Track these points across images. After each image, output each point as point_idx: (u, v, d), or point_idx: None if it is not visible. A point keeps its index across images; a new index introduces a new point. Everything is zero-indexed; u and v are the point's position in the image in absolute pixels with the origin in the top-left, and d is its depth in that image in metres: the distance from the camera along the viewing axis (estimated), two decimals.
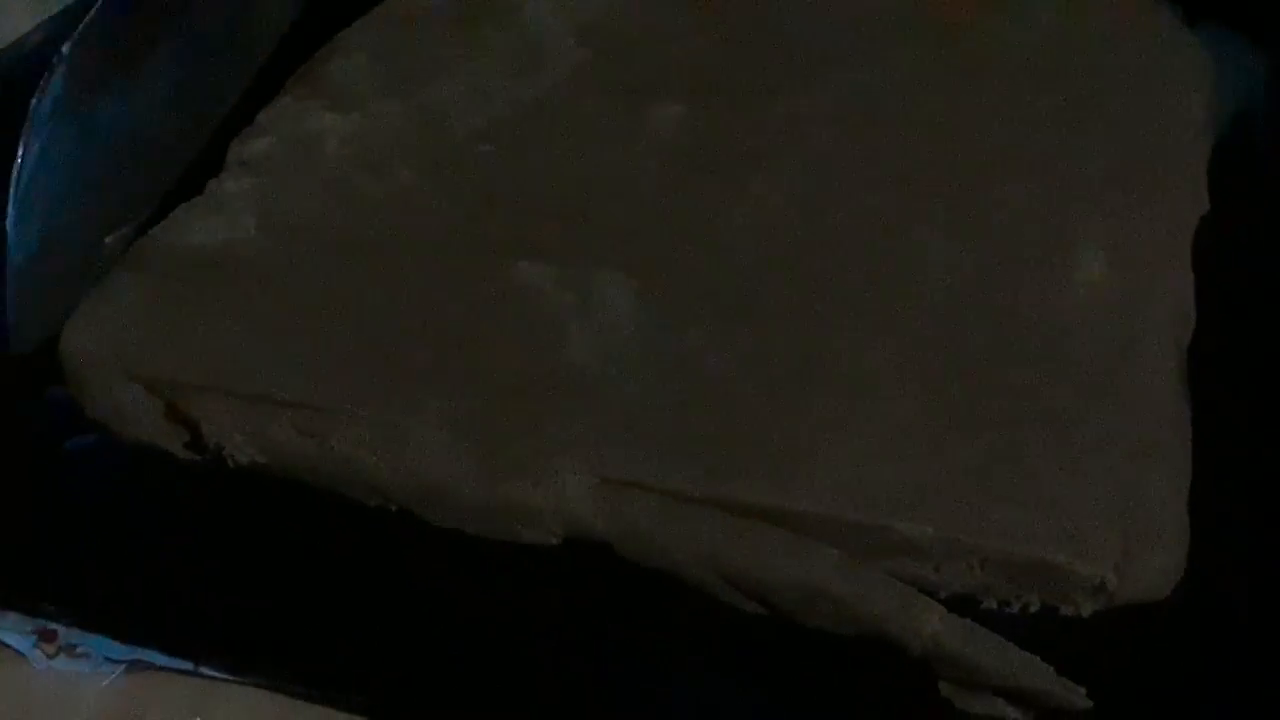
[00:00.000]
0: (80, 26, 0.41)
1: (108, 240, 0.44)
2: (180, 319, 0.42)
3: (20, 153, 0.40)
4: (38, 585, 0.38)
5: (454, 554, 0.38)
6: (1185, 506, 0.36)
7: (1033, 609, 0.36)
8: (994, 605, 0.36)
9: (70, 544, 0.39)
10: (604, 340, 0.41)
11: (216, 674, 0.36)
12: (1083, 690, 0.33)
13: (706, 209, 0.45)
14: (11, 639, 0.37)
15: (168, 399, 0.40)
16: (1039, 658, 0.33)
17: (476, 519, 0.38)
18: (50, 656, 0.37)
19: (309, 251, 0.44)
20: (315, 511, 0.39)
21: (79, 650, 0.37)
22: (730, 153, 0.47)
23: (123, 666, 0.37)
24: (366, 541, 0.38)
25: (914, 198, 0.45)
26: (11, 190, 0.40)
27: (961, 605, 0.35)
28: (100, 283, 0.43)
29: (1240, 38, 0.52)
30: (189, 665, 0.36)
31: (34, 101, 0.40)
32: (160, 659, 0.36)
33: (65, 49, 0.40)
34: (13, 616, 0.37)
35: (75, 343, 0.41)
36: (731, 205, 0.45)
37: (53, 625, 0.37)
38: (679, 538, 0.36)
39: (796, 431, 0.38)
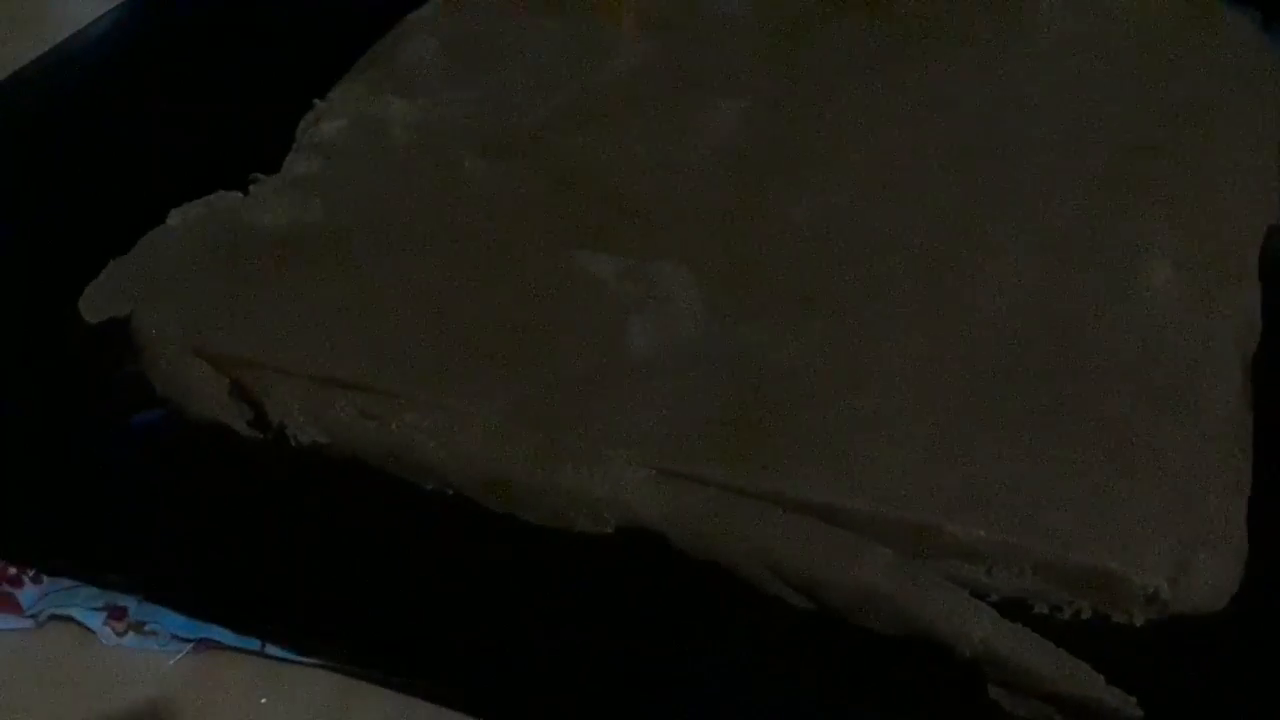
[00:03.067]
0: None
1: (171, 218, 0.45)
2: (248, 299, 0.42)
3: None
4: (104, 557, 0.38)
5: (509, 539, 0.38)
6: (1244, 519, 0.36)
7: (1084, 616, 0.35)
8: (1045, 610, 0.36)
9: (137, 518, 0.40)
10: (664, 332, 0.41)
11: (282, 654, 0.37)
12: (1134, 700, 0.33)
13: (769, 204, 0.45)
14: (82, 615, 0.38)
15: (234, 377, 0.41)
16: (1090, 665, 0.33)
17: (532, 506, 0.38)
18: (119, 634, 0.37)
19: (375, 235, 0.45)
20: (374, 493, 0.39)
21: (148, 628, 0.37)
22: (794, 148, 0.48)
23: (190, 645, 0.37)
24: (424, 524, 0.39)
25: (979, 199, 0.45)
26: None
27: (1013, 609, 0.35)
28: (171, 260, 0.44)
29: None
30: (255, 645, 0.37)
31: None
32: (228, 638, 0.37)
33: None
34: (83, 593, 0.38)
35: (146, 319, 0.42)
36: (794, 201, 0.45)
37: (122, 602, 0.38)
38: (732, 531, 0.36)
39: (853, 429, 0.38)
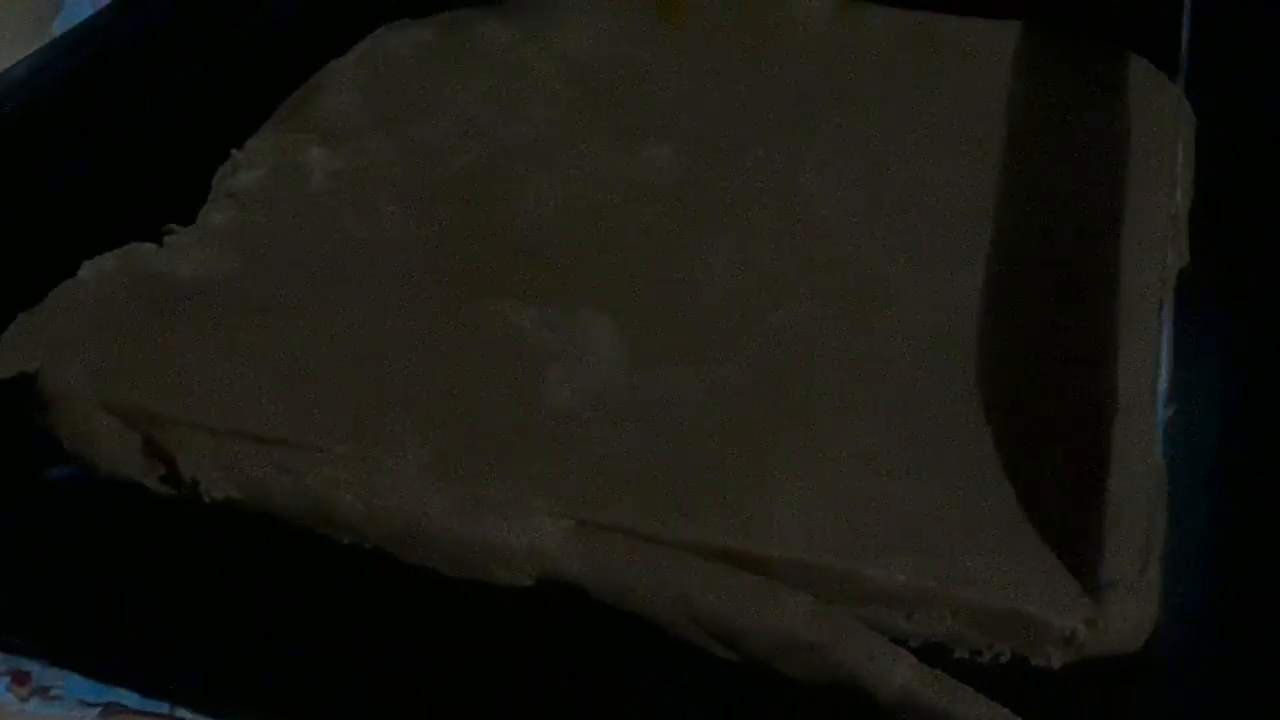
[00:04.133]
0: None
1: (83, 270, 0.44)
2: (160, 352, 0.42)
3: None
4: (10, 618, 0.38)
5: (428, 593, 0.38)
6: (1159, 560, 0.36)
7: (1004, 659, 0.35)
8: (965, 655, 0.36)
9: (46, 577, 0.39)
10: (583, 381, 0.41)
11: (192, 717, 0.36)
12: None
13: (691, 251, 0.45)
14: None
15: (145, 432, 0.40)
16: (1009, 709, 0.33)
17: (450, 559, 0.38)
18: (23, 699, 0.36)
19: (292, 287, 0.44)
20: (289, 548, 0.38)
21: (53, 693, 0.36)
22: (716, 195, 0.48)
23: (97, 710, 0.36)
24: (340, 580, 0.38)
25: (896, 243, 0.45)
26: None
27: (933, 654, 0.35)
28: (81, 313, 0.43)
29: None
30: (164, 708, 0.36)
31: None
32: (135, 701, 0.36)
33: None
34: None
35: (55, 374, 0.41)
36: (715, 247, 0.45)
37: (26, 667, 0.37)
38: (652, 581, 0.36)
39: (772, 476, 0.38)
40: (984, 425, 0.39)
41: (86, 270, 0.45)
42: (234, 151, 0.50)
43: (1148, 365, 0.41)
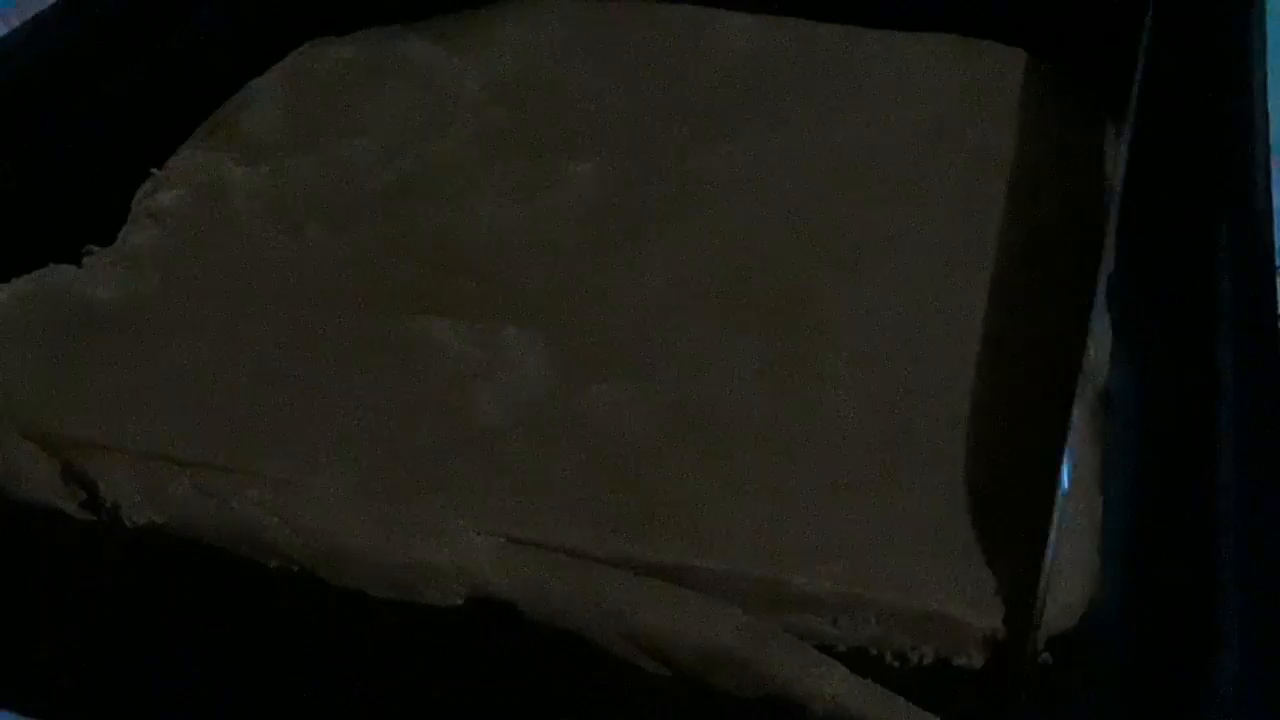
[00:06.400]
0: None
1: None
2: (78, 375, 0.41)
3: None
4: None
5: (356, 616, 0.37)
6: (1089, 561, 0.36)
7: (928, 661, 0.36)
8: (892, 660, 0.36)
9: None
10: (511, 398, 0.41)
11: None
12: None
13: (615, 266, 0.46)
14: None
15: (64, 458, 0.39)
16: (938, 717, 0.34)
17: (379, 580, 0.37)
18: None
19: (213, 307, 0.44)
20: (214, 573, 0.38)
21: None
22: (640, 210, 0.48)
23: None
24: (266, 604, 0.38)
25: (821, 256, 0.46)
26: None
27: (860, 659, 0.35)
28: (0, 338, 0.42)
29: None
30: None
31: None
32: None
33: None
34: None
35: None
36: (640, 263, 0.46)
37: None
38: (582, 597, 0.36)
39: (699, 488, 0.38)
40: (903, 431, 0.39)
41: (3, 293, 0.44)
42: (154, 171, 0.50)
43: (1086, 358, 0.41)
